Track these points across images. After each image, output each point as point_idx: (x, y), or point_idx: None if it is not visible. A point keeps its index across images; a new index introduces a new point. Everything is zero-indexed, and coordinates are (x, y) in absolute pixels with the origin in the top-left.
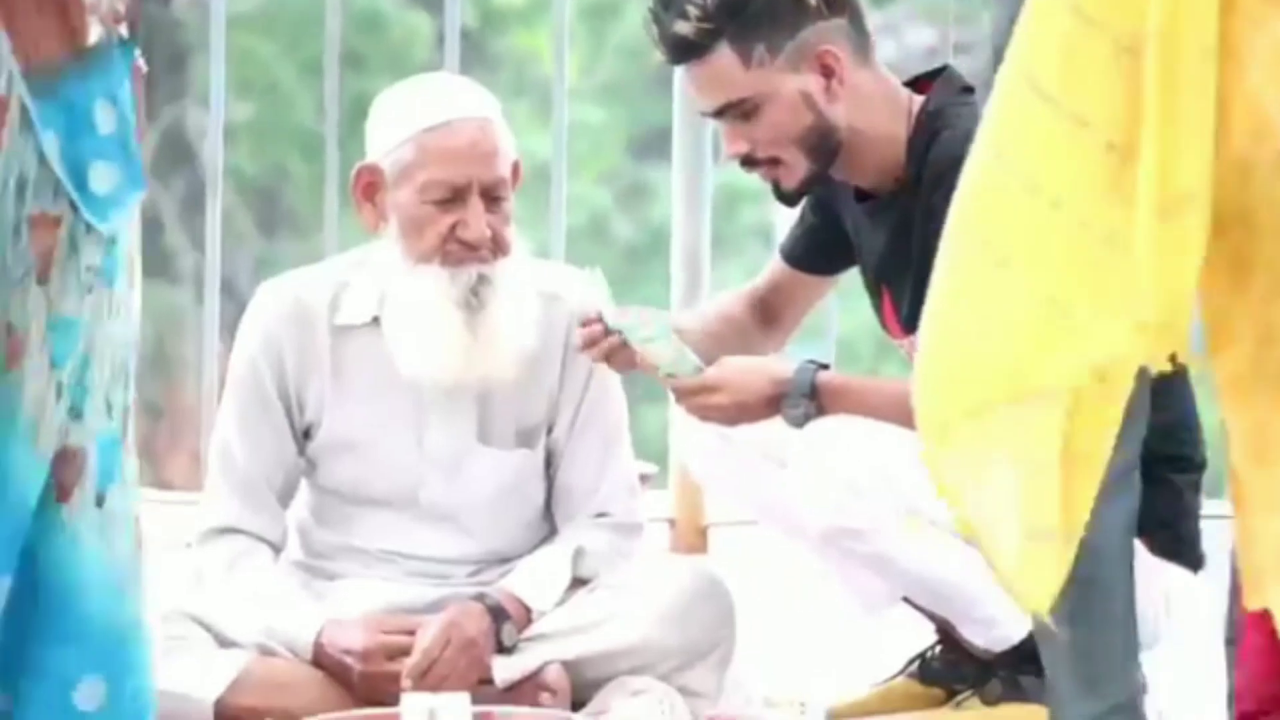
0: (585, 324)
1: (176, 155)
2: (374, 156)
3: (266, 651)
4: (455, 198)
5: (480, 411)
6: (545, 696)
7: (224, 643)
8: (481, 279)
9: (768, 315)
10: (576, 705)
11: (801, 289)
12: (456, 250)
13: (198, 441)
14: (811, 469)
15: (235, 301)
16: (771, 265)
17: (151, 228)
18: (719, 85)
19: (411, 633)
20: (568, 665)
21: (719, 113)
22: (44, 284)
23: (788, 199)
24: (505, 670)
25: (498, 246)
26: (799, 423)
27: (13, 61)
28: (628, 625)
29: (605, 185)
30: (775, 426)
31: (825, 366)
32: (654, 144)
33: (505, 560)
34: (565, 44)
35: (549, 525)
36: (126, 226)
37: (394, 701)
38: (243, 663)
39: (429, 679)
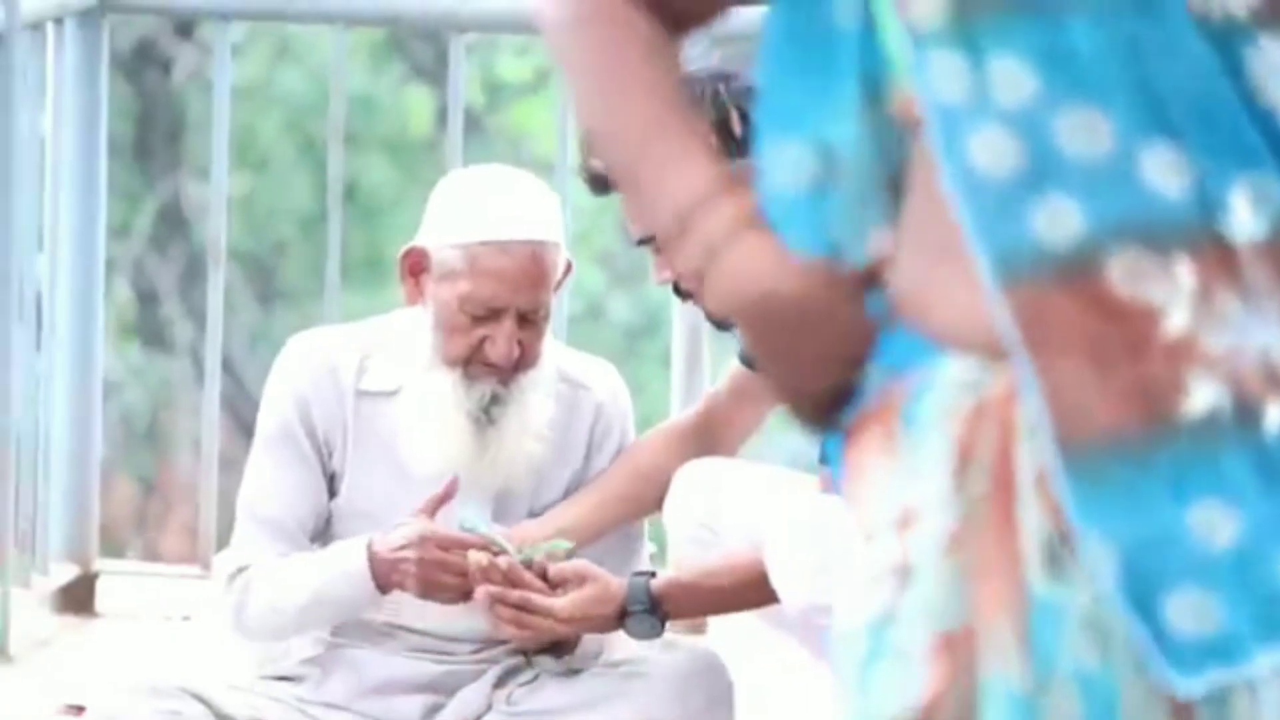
0: (477, 551)
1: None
2: (426, 240)
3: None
4: (491, 316)
5: (498, 492)
6: None
7: (221, 719)
8: (495, 398)
9: (711, 434)
10: None
11: (755, 400)
12: (478, 367)
13: (193, 515)
14: (786, 549)
15: (230, 374)
16: (730, 371)
17: (147, 299)
18: (638, 217)
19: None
20: None
21: (642, 242)
22: None
23: (719, 326)
24: None
25: (523, 361)
26: (649, 635)
27: (1049, 425)
28: (627, 704)
29: (601, 266)
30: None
31: (653, 574)
32: None
33: (510, 641)
34: (569, 123)
35: None
36: None
37: (455, 598)
38: None
39: None
